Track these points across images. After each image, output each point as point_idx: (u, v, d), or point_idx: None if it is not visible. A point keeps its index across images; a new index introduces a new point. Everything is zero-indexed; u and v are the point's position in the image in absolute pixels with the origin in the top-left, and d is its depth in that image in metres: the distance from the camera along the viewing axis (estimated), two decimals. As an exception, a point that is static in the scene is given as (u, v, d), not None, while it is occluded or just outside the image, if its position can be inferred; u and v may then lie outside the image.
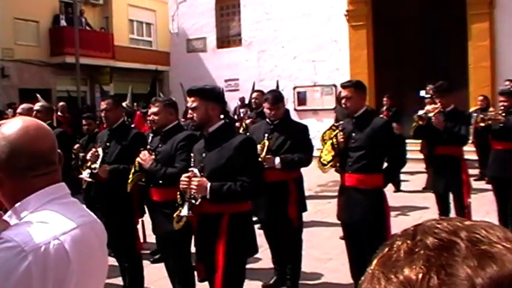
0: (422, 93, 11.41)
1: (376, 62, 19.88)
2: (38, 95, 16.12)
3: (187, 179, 4.14)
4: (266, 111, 6.41)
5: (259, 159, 5.91)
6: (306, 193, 10.02)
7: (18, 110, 7.89)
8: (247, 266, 7.06)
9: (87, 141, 7.42)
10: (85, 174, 6.18)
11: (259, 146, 5.99)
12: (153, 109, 5.65)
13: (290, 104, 21.19)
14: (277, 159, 6.03)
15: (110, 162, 5.99)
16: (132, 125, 11.40)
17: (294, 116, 19.96)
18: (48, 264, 1.63)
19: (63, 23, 23.35)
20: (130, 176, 5.57)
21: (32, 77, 22.49)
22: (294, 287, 6.25)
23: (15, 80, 21.85)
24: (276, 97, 6.40)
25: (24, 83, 22.10)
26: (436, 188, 7.49)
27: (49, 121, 7.07)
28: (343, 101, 5.69)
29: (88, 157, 6.14)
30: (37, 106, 7.08)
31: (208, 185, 4.08)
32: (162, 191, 5.27)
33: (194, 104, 4.29)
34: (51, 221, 1.72)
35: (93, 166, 6.02)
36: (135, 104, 15.71)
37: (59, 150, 1.90)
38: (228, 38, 24.28)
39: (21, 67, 22.11)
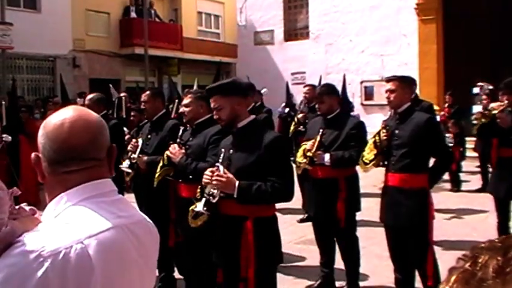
0: (476, 90, 10.91)
1: (446, 57, 19.27)
2: (110, 86, 16.43)
3: (210, 174, 3.85)
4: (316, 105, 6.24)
5: (310, 154, 5.78)
6: (368, 189, 9.77)
7: (86, 102, 7.94)
8: (295, 264, 7.06)
9: (136, 133, 7.40)
10: (125, 165, 6.14)
11: (311, 142, 5.86)
12: (185, 101, 5.50)
13: (357, 98, 20.82)
14: (327, 156, 5.75)
15: (150, 153, 5.91)
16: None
17: (360, 110, 19.71)
18: (68, 271, 1.48)
19: (133, 14, 23.63)
20: (158, 169, 5.41)
21: (102, 68, 22.91)
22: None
23: (85, 70, 22.30)
24: (324, 90, 6.13)
25: (94, 73, 22.54)
26: (496, 192, 6.85)
27: (103, 111, 7.02)
28: (386, 95, 5.37)
29: (129, 148, 6.12)
30: (86, 100, 7.06)
31: (237, 183, 3.77)
32: (192, 187, 4.85)
33: (216, 105, 4.00)
34: (80, 222, 1.58)
35: (132, 156, 6.02)
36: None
37: (113, 144, 1.81)
38: (295, 30, 24.03)
39: (92, 57, 22.54)
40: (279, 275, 4.36)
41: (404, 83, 5.34)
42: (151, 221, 1.80)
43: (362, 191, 6.33)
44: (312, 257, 6.75)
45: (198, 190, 4.15)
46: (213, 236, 4.15)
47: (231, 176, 3.80)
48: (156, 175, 5.43)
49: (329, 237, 6.14)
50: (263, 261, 3.89)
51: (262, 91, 15.91)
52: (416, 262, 5.21)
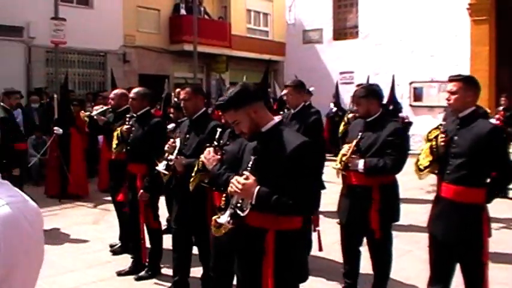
0: None
1: (498, 59, 18.87)
2: (166, 80, 16.65)
3: (236, 183, 3.51)
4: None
5: (344, 159, 5.55)
6: (415, 192, 9.65)
7: (111, 95, 8.00)
8: (323, 271, 6.93)
9: (174, 130, 7.22)
10: (161, 166, 5.79)
11: (348, 145, 5.65)
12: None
13: (405, 99, 20.59)
14: (361, 162, 5.45)
15: (188, 155, 5.62)
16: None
17: (408, 112, 19.50)
18: None
19: (182, 11, 23.81)
20: (193, 175, 5.15)
21: (152, 63, 23.16)
22: None
23: (135, 66, 22.57)
24: (360, 92, 5.83)
25: (143, 68, 22.80)
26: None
27: (147, 107, 6.98)
28: (446, 96, 4.95)
29: (166, 148, 5.77)
30: (132, 93, 7.03)
31: (256, 189, 3.45)
32: None
33: (233, 119, 3.67)
34: None
35: (169, 157, 5.69)
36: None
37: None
38: (344, 29, 23.90)
39: (142, 53, 22.80)
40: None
41: (468, 85, 4.84)
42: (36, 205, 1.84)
43: (407, 194, 6.10)
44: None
45: (223, 199, 3.87)
46: (236, 246, 3.87)
47: (250, 181, 3.48)
48: (191, 180, 5.18)
49: (356, 247, 5.88)
50: (283, 280, 3.56)
51: (309, 90, 15.93)
52: (471, 284, 4.81)
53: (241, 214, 3.53)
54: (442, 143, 4.90)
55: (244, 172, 3.54)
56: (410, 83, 21.06)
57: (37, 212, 1.81)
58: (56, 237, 8.83)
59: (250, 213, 3.51)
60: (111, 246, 7.95)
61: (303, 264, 3.73)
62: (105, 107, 8.23)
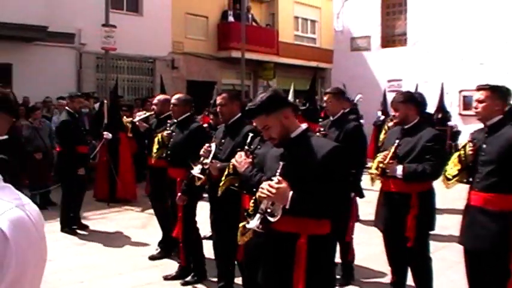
0: None
1: (552, 67, 18.49)
2: (215, 87, 16.83)
3: (268, 187, 3.49)
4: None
5: (382, 165, 5.51)
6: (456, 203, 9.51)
7: (155, 101, 8.10)
8: (370, 280, 6.96)
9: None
10: (196, 170, 5.84)
11: (385, 152, 5.61)
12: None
13: (455, 107, 20.29)
14: (400, 168, 5.41)
15: (223, 159, 5.63)
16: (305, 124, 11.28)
17: (457, 120, 19.23)
18: None
19: (231, 18, 24.04)
20: (223, 179, 5.17)
21: (199, 70, 23.44)
22: None
23: (183, 72, 22.88)
24: (398, 98, 5.78)
25: (191, 75, 23.09)
26: None
27: (188, 113, 7.11)
28: (474, 105, 4.98)
29: (201, 152, 5.82)
30: (173, 99, 7.16)
31: (291, 193, 3.43)
32: None
33: (263, 125, 3.69)
34: None
35: (204, 162, 5.74)
36: (297, 100, 15.75)
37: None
38: (393, 37, 23.73)
39: (190, 60, 23.10)
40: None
41: (496, 93, 4.88)
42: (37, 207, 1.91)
43: (458, 204, 6.03)
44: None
45: (251, 204, 3.82)
46: (263, 254, 3.81)
47: (283, 185, 3.46)
48: (221, 184, 5.20)
49: (400, 255, 5.74)
50: (314, 285, 3.54)
51: (357, 98, 15.86)
52: None
53: (272, 220, 3.52)
54: (471, 152, 4.93)
55: (273, 178, 3.52)
56: (460, 91, 20.72)
57: (39, 214, 1.88)
58: (104, 240, 9.04)
59: (280, 218, 3.49)
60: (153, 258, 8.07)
61: (333, 270, 3.77)
62: (148, 113, 8.38)
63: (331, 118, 6.80)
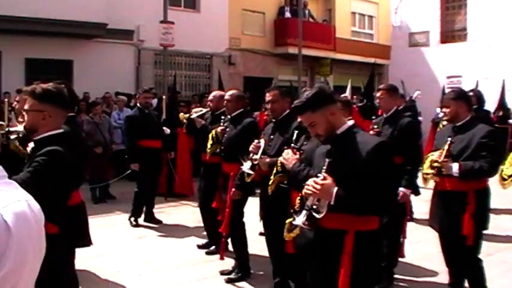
0: None
1: None
2: (273, 83, 16.87)
3: (314, 184, 3.51)
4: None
5: (437, 164, 5.41)
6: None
7: (210, 97, 8.20)
8: (422, 280, 6.87)
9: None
10: (246, 166, 5.88)
11: (439, 151, 5.50)
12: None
13: (516, 105, 19.85)
14: (455, 166, 5.30)
15: (272, 155, 5.66)
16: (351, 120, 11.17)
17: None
18: None
19: (287, 14, 24.05)
20: (272, 177, 5.22)
21: (256, 66, 23.55)
22: None
23: (240, 68, 23.04)
24: (449, 95, 5.75)
25: (248, 71, 23.23)
26: None
27: (241, 109, 7.20)
28: None
29: (250, 148, 5.85)
30: (227, 96, 7.24)
31: (335, 189, 3.44)
32: None
33: (309, 122, 3.71)
34: None
35: (254, 158, 5.77)
36: (355, 97, 15.65)
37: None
38: (452, 32, 23.33)
39: (247, 56, 23.23)
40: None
41: None
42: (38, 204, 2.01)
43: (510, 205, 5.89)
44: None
45: (297, 201, 3.85)
46: (311, 248, 3.82)
47: (328, 181, 3.48)
48: (270, 182, 5.26)
49: (458, 256, 5.62)
50: (360, 281, 3.53)
51: (415, 94, 15.65)
52: None
53: (318, 216, 3.53)
54: None
55: (319, 174, 3.54)
56: (522, 88, 20.26)
57: (39, 210, 1.99)
58: (161, 234, 9.24)
59: (327, 215, 3.50)
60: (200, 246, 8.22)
61: (379, 266, 3.75)
62: (204, 110, 8.47)
63: (385, 115, 6.77)
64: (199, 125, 8.07)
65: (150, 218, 9.95)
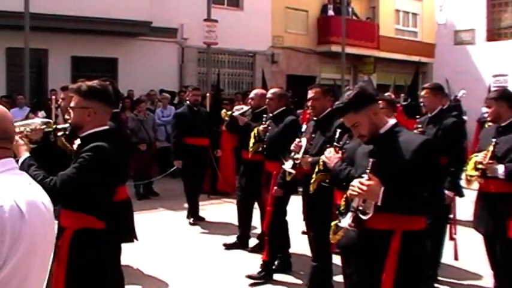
0: None
1: None
2: (317, 82, 16.76)
3: (359, 184, 3.47)
4: None
5: (481, 166, 5.29)
6: None
7: (251, 95, 8.20)
8: (464, 282, 6.78)
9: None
10: (287, 165, 5.88)
11: (483, 153, 5.38)
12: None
13: None
14: (501, 168, 5.18)
15: (314, 154, 5.63)
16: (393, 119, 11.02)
17: None
18: (4, 221, 1.83)
19: (330, 12, 23.92)
20: (314, 175, 5.20)
21: (299, 64, 23.52)
22: None
23: (283, 66, 23.03)
24: (492, 95, 5.63)
25: (291, 69, 23.21)
26: None
27: (283, 107, 7.17)
28: None
29: (292, 147, 5.82)
30: (269, 94, 7.22)
31: (381, 189, 3.38)
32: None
33: (352, 123, 3.68)
34: (7, 185, 1.96)
35: (295, 156, 5.75)
36: (402, 95, 15.41)
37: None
38: (499, 30, 22.87)
39: (290, 54, 23.22)
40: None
41: None
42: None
43: None
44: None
45: (343, 202, 3.83)
46: (357, 249, 3.79)
47: (373, 182, 3.43)
48: (312, 180, 5.25)
49: (503, 259, 5.43)
50: (405, 282, 3.49)
51: (460, 93, 15.41)
52: None
53: (364, 217, 3.49)
54: None
55: (364, 175, 3.49)
56: None
57: (49, 201, 2.10)
58: (204, 231, 9.34)
59: (373, 215, 3.47)
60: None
61: (425, 267, 3.69)
62: (245, 107, 8.45)
63: (429, 114, 6.67)
64: (242, 123, 8.07)
65: (194, 215, 10.01)
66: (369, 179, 3.45)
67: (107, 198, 3.69)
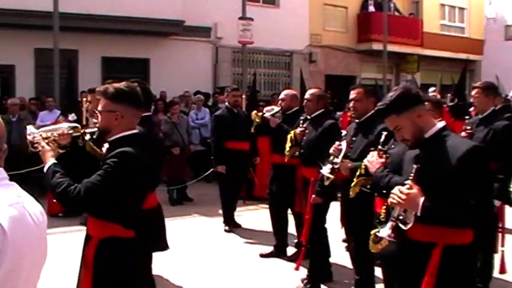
0: None
1: None
2: (358, 82, 16.60)
3: (399, 193, 3.38)
4: None
5: None
6: None
7: (282, 96, 8.09)
8: None
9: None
10: (325, 170, 5.74)
11: None
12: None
13: None
14: None
15: (354, 159, 5.50)
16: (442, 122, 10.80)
17: None
18: None
19: (371, 8, 23.74)
20: (354, 179, 5.08)
21: (338, 63, 23.37)
22: None
23: (321, 66, 22.91)
24: None
25: (330, 69, 23.08)
26: None
27: (322, 109, 7.00)
28: None
29: (331, 150, 5.67)
30: (307, 95, 7.12)
31: (421, 199, 3.29)
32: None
33: (395, 125, 3.57)
34: None
35: (334, 161, 5.60)
36: (448, 95, 15.12)
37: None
38: (553, 24, 22.46)
39: (328, 53, 23.09)
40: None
41: None
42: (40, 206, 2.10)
43: None
44: None
45: (383, 210, 3.77)
46: (394, 264, 3.73)
47: (414, 191, 3.34)
48: (352, 184, 5.11)
49: None
50: None
51: (511, 93, 15.08)
52: None
53: (404, 228, 3.41)
54: None
55: (406, 182, 3.41)
56: None
57: (41, 212, 2.08)
58: (240, 238, 9.31)
59: (414, 226, 3.38)
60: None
61: (471, 284, 3.55)
62: (276, 108, 8.32)
63: (480, 116, 6.50)
64: (274, 125, 7.97)
65: (229, 221, 9.97)
66: (410, 187, 3.36)
67: (134, 206, 3.66)
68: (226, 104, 10.14)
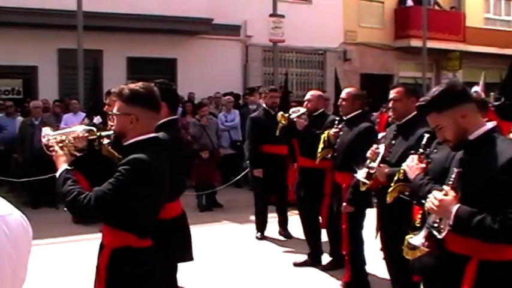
0: None
1: None
2: (396, 81, 16.40)
3: (433, 199, 3.28)
4: None
5: None
6: None
7: (308, 97, 8.03)
8: None
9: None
10: (360, 174, 5.57)
11: None
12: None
13: None
14: None
15: (393, 163, 5.30)
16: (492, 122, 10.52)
17: None
18: None
19: (409, 2, 23.44)
20: (392, 184, 4.87)
21: (374, 62, 23.11)
22: None
23: (356, 64, 22.69)
24: None
25: (365, 67, 22.84)
26: None
27: (358, 110, 6.82)
28: None
29: (368, 154, 5.48)
30: (343, 94, 6.97)
31: (455, 208, 3.17)
32: None
33: (436, 124, 3.45)
34: None
35: (370, 165, 5.42)
36: (492, 94, 14.79)
37: None
38: None
39: (363, 51, 22.86)
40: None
41: None
42: (25, 217, 1.96)
43: None
44: None
45: (419, 216, 3.71)
46: (431, 271, 3.63)
47: (448, 198, 3.22)
48: (389, 190, 4.90)
49: None
50: None
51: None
52: None
53: (439, 236, 3.30)
54: None
55: (444, 187, 3.28)
56: None
57: (19, 225, 1.94)
58: (272, 246, 9.27)
59: (450, 236, 3.26)
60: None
61: None
62: (302, 109, 8.16)
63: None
64: (301, 127, 7.85)
65: (262, 229, 9.84)
66: (446, 193, 3.23)
67: (148, 215, 3.60)
68: (264, 105, 10.03)
